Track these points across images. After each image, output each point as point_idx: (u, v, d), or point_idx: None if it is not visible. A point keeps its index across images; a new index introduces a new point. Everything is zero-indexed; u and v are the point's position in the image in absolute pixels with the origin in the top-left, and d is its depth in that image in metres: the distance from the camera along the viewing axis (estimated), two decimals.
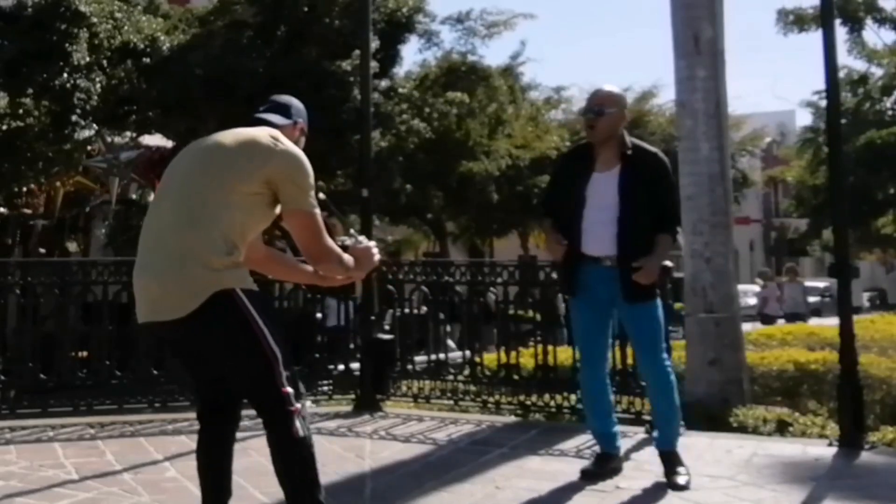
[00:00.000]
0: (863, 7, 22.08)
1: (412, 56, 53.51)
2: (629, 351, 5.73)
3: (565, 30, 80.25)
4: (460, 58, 18.09)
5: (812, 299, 25.44)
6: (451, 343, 7.71)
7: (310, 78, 11.71)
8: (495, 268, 7.05)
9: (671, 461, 4.47)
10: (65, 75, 10.54)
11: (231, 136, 3.23)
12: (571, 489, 4.36)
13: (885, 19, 22.27)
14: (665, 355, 4.56)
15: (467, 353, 7.02)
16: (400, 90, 14.60)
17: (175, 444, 5.22)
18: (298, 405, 3.08)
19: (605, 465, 4.55)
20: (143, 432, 5.72)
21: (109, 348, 6.43)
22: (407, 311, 7.19)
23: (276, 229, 11.73)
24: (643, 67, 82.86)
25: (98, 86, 11.13)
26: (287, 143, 3.21)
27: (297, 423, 3.06)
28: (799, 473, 4.70)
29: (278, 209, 3.21)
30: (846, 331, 5.33)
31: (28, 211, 14.15)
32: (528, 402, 6.36)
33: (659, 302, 4.56)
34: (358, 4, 8.24)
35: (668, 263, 6.30)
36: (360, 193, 6.89)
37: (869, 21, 22.38)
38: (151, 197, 12.84)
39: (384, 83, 14.12)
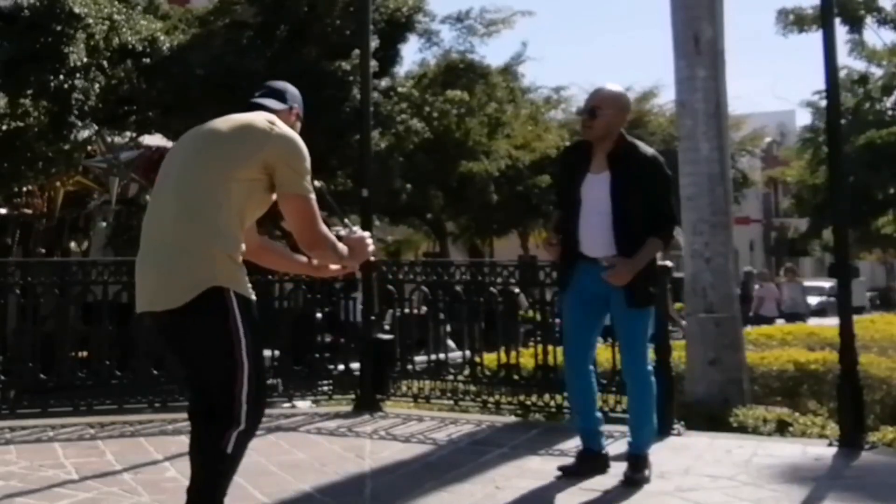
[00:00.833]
0: (863, 7, 22.09)
1: (412, 55, 53.50)
2: None
3: (565, 29, 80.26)
4: (459, 56, 18.11)
5: (818, 299, 25.48)
6: (450, 343, 7.70)
7: (310, 78, 11.70)
8: (495, 268, 7.04)
9: (638, 465, 4.43)
10: (61, 77, 10.53)
11: (227, 121, 3.22)
12: (571, 489, 4.35)
13: (885, 19, 22.28)
14: (648, 360, 4.56)
15: (467, 353, 7.01)
16: (399, 89, 14.61)
17: (175, 444, 5.21)
18: (244, 425, 3.04)
19: (586, 464, 4.53)
20: (143, 432, 5.71)
21: (109, 348, 6.43)
22: (407, 310, 7.19)
23: (277, 229, 11.77)
24: (643, 67, 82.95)
25: (97, 86, 11.12)
26: (283, 127, 3.20)
27: (231, 438, 3.03)
28: (799, 473, 4.70)
29: (275, 196, 3.20)
30: (846, 331, 5.33)
31: (28, 211, 14.14)
32: (528, 402, 6.35)
33: (653, 309, 4.58)
34: (358, 4, 8.25)
35: (668, 263, 6.31)
36: (360, 193, 6.88)
37: (869, 21, 22.40)
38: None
39: (384, 83, 14.13)
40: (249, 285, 3.17)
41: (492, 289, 6.81)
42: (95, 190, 14.78)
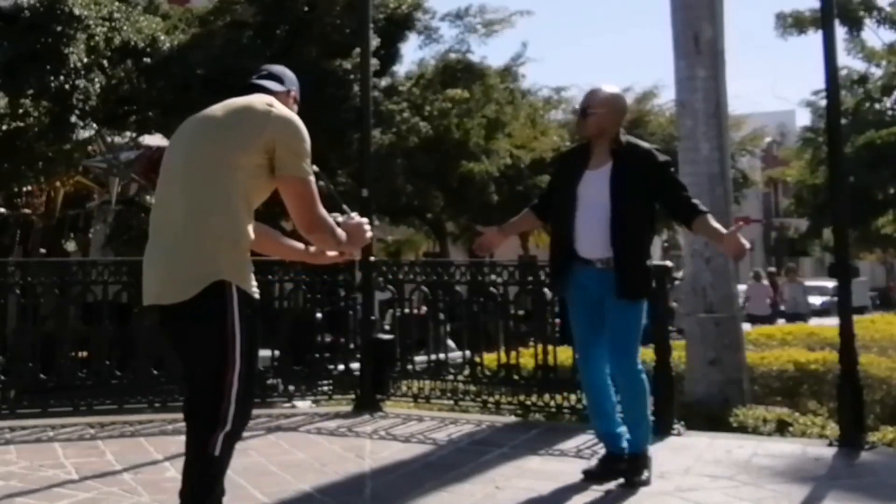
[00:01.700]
0: (862, 7, 22.10)
1: (412, 54, 53.57)
2: None
3: (565, 29, 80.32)
4: (457, 57, 18.08)
5: (821, 299, 25.49)
6: (450, 343, 7.69)
7: (310, 77, 11.68)
8: (495, 268, 7.04)
9: (637, 465, 4.42)
10: (61, 77, 10.53)
11: (225, 107, 3.19)
12: (571, 489, 4.35)
13: (884, 19, 22.28)
14: (638, 358, 4.48)
15: (467, 352, 7.01)
16: (399, 88, 14.60)
17: (175, 444, 5.19)
18: (230, 426, 3.00)
19: (609, 466, 4.48)
20: (143, 432, 5.71)
21: (109, 348, 6.42)
22: (407, 310, 7.19)
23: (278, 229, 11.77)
24: (643, 67, 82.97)
25: (97, 86, 11.12)
26: (282, 108, 3.17)
27: (218, 441, 2.98)
28: (799, 473, 4.70)
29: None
30: (846, 331, 5.33)
31: (28, 211, 14.14)
32: (528, 402, 6.35)
33: (644, 305, 4.50)
34: (358, 3, 8.24)
35: (668, 263, 6.31)
36: (360, 193, 6.88)
37: (868, 21, 22.41)
38: (151, 197, 12.81)
39: (384, 82, 14.13)
40: (254, 281, 3.14)
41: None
42: (95, 190, 14.78)
